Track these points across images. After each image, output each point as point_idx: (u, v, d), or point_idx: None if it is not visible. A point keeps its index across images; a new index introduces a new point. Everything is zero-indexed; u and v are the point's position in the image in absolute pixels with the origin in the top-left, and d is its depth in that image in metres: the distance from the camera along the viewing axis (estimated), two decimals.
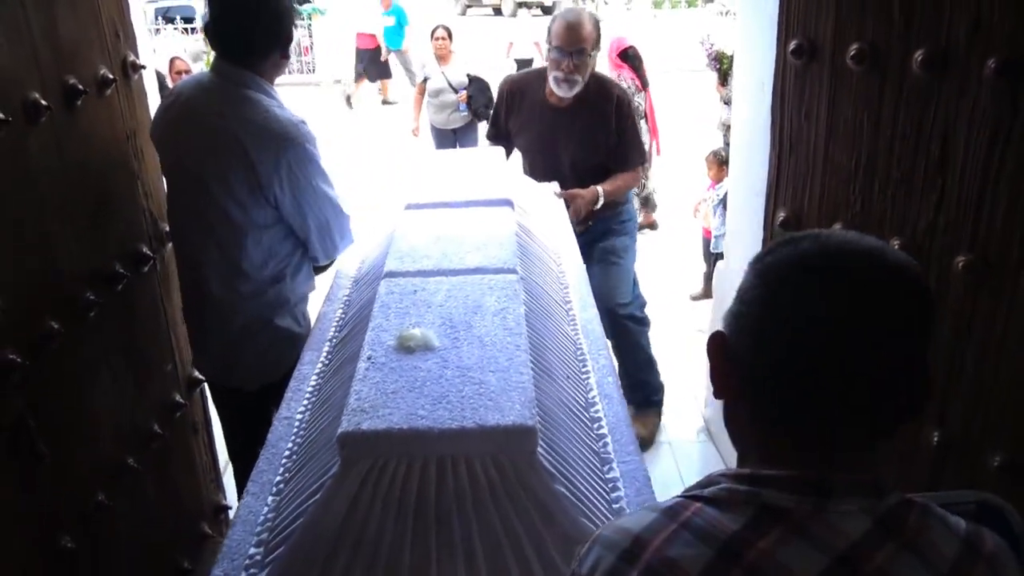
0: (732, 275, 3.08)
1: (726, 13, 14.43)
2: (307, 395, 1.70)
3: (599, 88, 3.07)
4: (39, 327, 1.74)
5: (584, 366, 1.78)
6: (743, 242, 2.85)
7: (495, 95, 3.49)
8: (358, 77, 11.58)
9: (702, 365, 3.91)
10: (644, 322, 3.44)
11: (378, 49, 11.30)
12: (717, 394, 0.88)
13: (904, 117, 1.97)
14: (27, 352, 1.66)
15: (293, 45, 2.24)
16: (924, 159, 1.96)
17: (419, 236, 2.03)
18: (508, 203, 2.25)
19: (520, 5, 23.96)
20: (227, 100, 2.07)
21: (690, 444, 3.37)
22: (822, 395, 0.77)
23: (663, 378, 3.50)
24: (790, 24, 2.13)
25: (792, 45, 2.10)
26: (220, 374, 2.31)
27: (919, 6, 1.87)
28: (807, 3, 2.07)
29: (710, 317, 3.59)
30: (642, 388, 3.43)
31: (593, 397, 1.66)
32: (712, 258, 4.81)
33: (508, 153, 3.24)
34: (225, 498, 2.81)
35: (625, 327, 3.30)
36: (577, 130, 3.08)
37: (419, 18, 11.67)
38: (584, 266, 2.34)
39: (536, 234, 2.30)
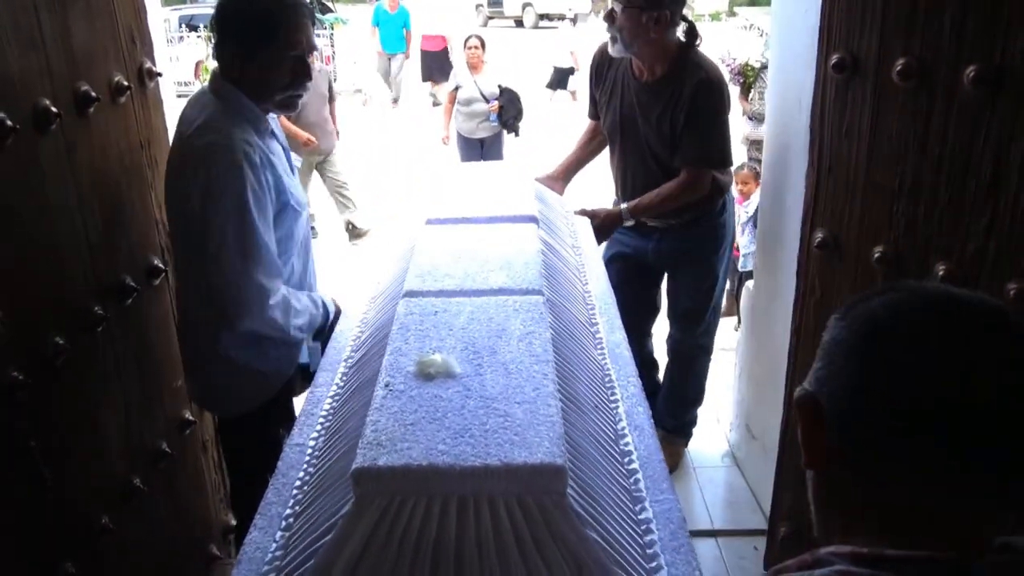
0: (762, 296, 2.98)
1: (749, 27, 14.34)
2: (320, 420, 1.62)
3: (686, 66, 2.65)
4: (44, 343, 1.67)
5: (612, 394, 1.68)
6: (775, 262, 2.74)
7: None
8: (426, 79, 11.78)
9: (726, 386, 3.81)
10: (710, 351, 3.23)
11: (444, 51, 11.38)
12: (809, 462, 0.79)
13: (953, 136, 1.86)
14: (31, 370, 1.59)
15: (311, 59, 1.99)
16: (975, 180, 1.85)
17: (440, 253, 1.95)
18: (533, 219, 2.17)
19: (541, 17, 24.02)
20: (189, 115, 1.91)
21: (714, 469, 3.26)
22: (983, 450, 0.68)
23: None
24: (832, 38, 2.03)
25: (834, 59, 2.00)
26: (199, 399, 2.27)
27: (972, 19, 1.77)
28: (850, 16, 1.97)
29: (738, 338, 3.48)
30: (681, 417, 3.27)
31: (623, 428, 1.57)
32: (739, 276, 4.70)
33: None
34: (235, 518, 2.73)
35: (692, 354, 3.14)
36: (655, 111, 2.72)
37: (446, 31, 11.73)
38: (610, 285, 2.25)
39: (561, 251, 2.21)
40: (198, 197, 1.80)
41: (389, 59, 11.90)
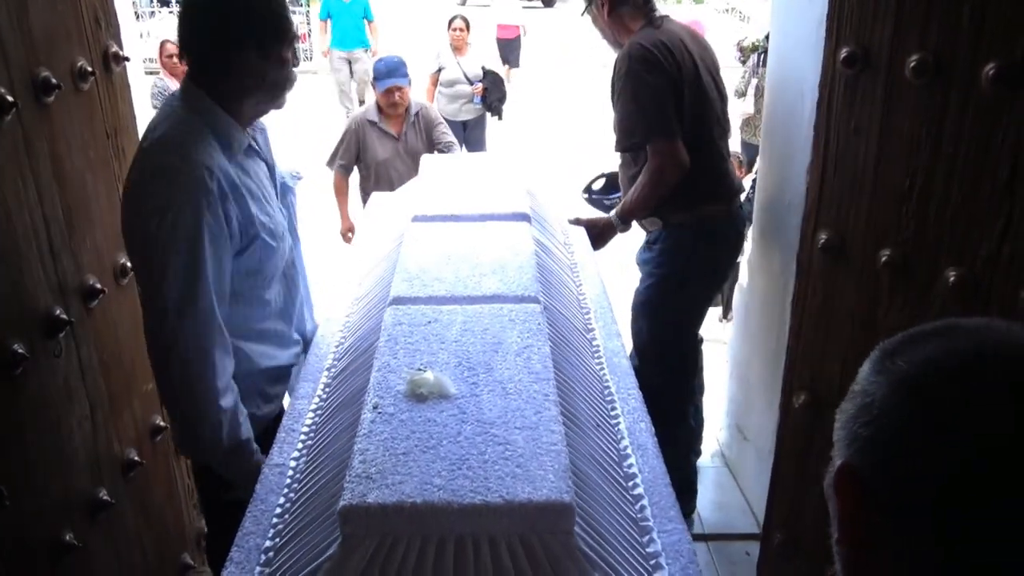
0: (756, 295, 2.89)
1: (729, 10, 14.26)
2: (302, 438, 1.51)
3: (624, 46, 2.57)
4: (2, 352, 1.54)
5: (613, 408, 1.59)
6: (771, 262, 2.66)
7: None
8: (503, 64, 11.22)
9: (714, 381, 3.74)
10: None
11: (517, 38, 10.56)
12: (847, 541, 0.67)
13: (968, 135, 1.78)
14: None
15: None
16: (989, 182, 1.77)
17: (428, 254, 1.84)
18: (525, 217, 2.06)
19: None
20: (154, 121, 1.63)
21: (704, 469, 3.18)
22: None
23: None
24: (841, 30, 1.93)
25: (844, 53, 1.91)
26: None
27: (992, 15, 1.68)
28: (862, 8, 1.87)
29: (729, 336, 3.40)
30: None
31: (625, 448, 1.47)
32: None
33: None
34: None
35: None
36: (614, 95, 2.61)
37: (424, 9, 11.36)
38: (604, 286, 2.15)
39: (554, 251, 2.11)
40: (147, 222, 1.52)
41: (348, 59, 8.83)
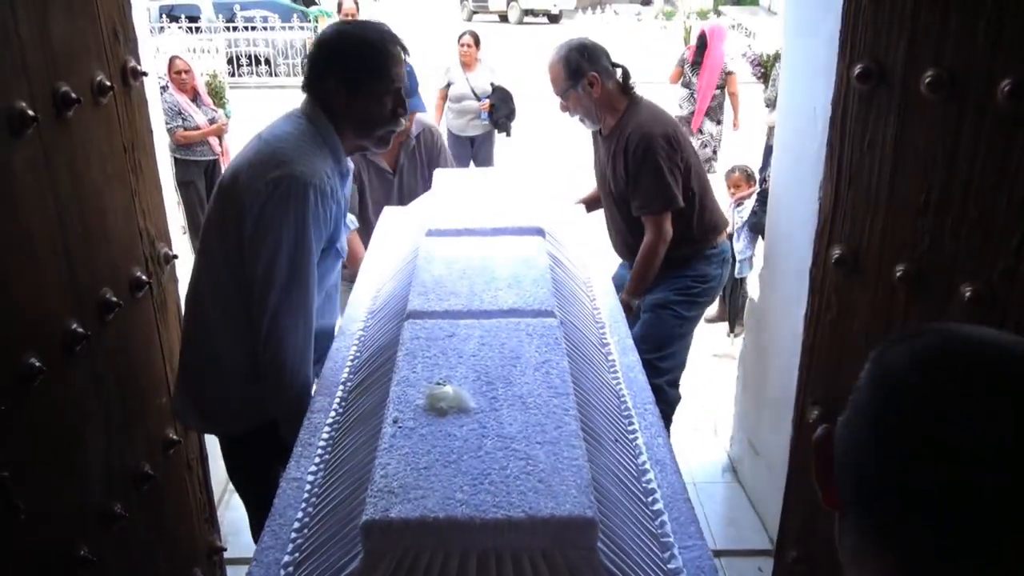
0: (768, 309, 2.89)
1: (736, 26, 14.33)
2: (319, 452, 1.50)
3: (628, 117, 2.87)
4: (19, 366, 1.54)
5: (630, 424, 1.59)
6: (782, 275, 2.65)
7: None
8: None
9: (721, 394, 3.73)
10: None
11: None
12: (825, 503, 0.73)
13: (985, 151, 1.78)
14: (3, 394, 1.47)
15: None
16: (1006, 198, 1.77)
17: (443, 268, 1.84)
18: (539, 231, 2.07)
19: (526, 13, 23.89)
20: (278, 125, 1.91)
21: (714, 485, 3.17)
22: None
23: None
24: (855, 46, 1.94)
25: (858, 69, 1.91)
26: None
27: (1008, 30, 1.68)
28: (876, 23, 1.88)
29: (740, 350, 3.39)
30: None
31: (643, 463, 1.47)
32: (734, 281, 4.62)
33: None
34: (220, 539, 2.61)
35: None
36: (610, 161, 2.91)
37: (429, 25, 11.43)
38: (617, 300, 2.16)
39: (568, 265, 2.11)
40: (266, 204, 1.76)
41: None
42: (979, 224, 1.83)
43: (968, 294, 1.86)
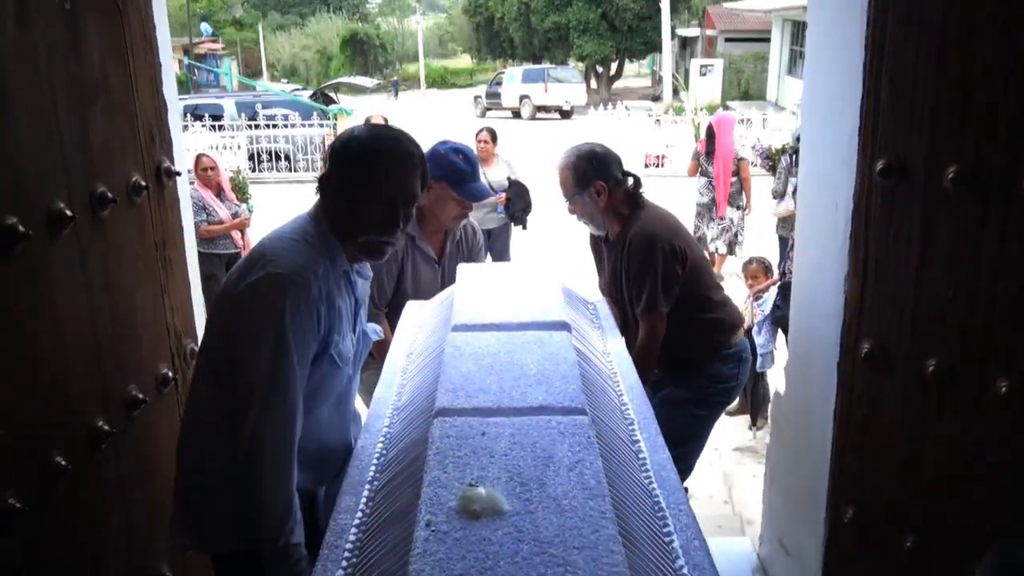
0: (794, 405, 2.84)
1: (743, 121, 14.63)
2: (347, 554, 1.46)
3: (631, 221, 2.90)
4: (44, 464, 1.53)
5: (665, 526, 1.54)
6: (808, 371, 2.62)
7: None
8: None
9: (744, 488, 3.65)
10: None
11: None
12: None
13: (1013, 242, 1.78)
14: (28, 494, 1.45)
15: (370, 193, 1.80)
16: None
17: (471, 364, 1.83)
18: (565, 326, 2.06)
19: (539, 109, 24.58)
20: (282, 227, 1.83)
21: None
22: None
23: (700, 505, 3.20)
24: (875, 141, 1.97)
25: (880, 164, 1.94)
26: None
27: None
28: (896, 120, 1.91)
29: (763, 443, 3.33)
30: None
31: (681, 568, 1.42)
32: (755, 375, 4.58)
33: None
34: None
35: None
36: (615, 265, 2.95)
37: (445, 122, 11.75)
38: (645, 396, 2.13)
39: (594, 360, 2.09)
40: (247, 310, 1.67)
41: None
42: (1010, 316, 1.81)
43: (1004, 389, 1.83)
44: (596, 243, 3.16)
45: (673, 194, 8.60)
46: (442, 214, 2.90)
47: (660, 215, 2.96)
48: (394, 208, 1.79)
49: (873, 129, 1.98)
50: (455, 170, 2.82)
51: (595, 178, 2.86)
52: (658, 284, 2.80)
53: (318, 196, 1.84)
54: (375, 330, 2.06)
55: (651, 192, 3.10)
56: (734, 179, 7.34)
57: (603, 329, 2.48)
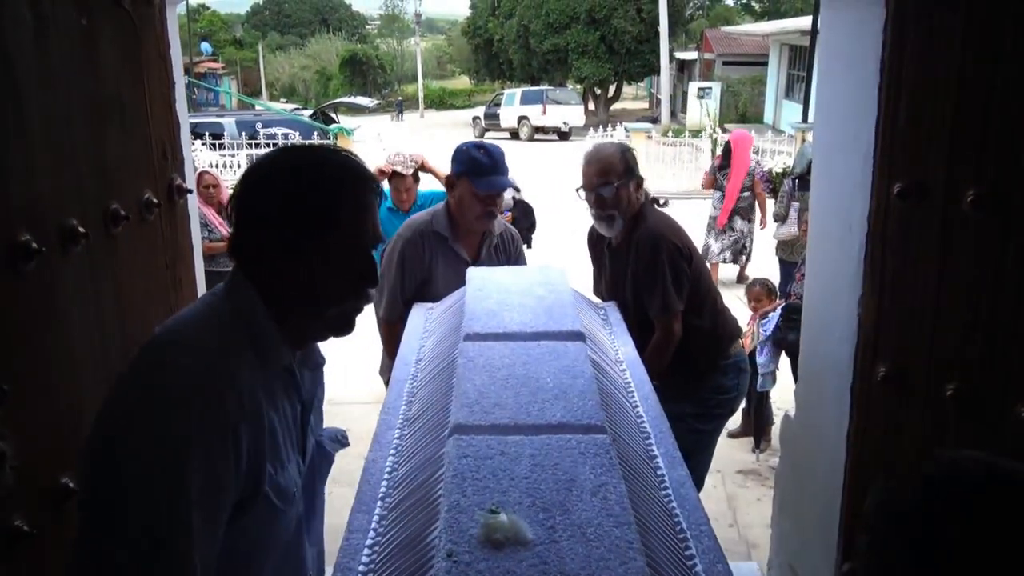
0: (805, 428, 2.82)
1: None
2: None
3: (637, 222, 2.84)
4: (55, 485, 1.50)
5: (687, 549, 1.51)
6: (820, 394, 2.60)
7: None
8: None
9: (748, 509, 3.61)
10: None
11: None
12: None
13: None
14: (38, 517, 1.41)
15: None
16: None
17: (485, 377, 1.81)
18: (579, 336, 2.04)
19: (537, 130, 24.68)
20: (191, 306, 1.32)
21: None
22: None
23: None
24: (892, 164, 1.96)
25: (897, 187, 1.92)
26: None
27: None
28: (914, 143, 1.90)
29: (770, 466, 3.30)
30: None
31: None
32: (758, 396, 4.55)
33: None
34: None
35: None
36: (623, 268, 2.91)
37: (446, 146, 11.76)
38: (660, 407, 2.10)
39: (609, 371, 2.07)
40: (128, 433, 1.10)
41: None
42: None
43: None
44: (596, 247, 3.12)
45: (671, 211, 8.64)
46: (468, 213, 2.75)
47: (663, 218, 2.95)
48: (368, 256, 1.29)
49: (890, 151, 1.97)
50: (474, 163, 2.72)
51: (636, 171, 2.86)
52: (669, 284, 2.78)
53: (235, 264, 1.25)
54: (335, 437, 1.55)
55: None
56: (747, 194, 7.58)
57: (615, 334, 2.45)
